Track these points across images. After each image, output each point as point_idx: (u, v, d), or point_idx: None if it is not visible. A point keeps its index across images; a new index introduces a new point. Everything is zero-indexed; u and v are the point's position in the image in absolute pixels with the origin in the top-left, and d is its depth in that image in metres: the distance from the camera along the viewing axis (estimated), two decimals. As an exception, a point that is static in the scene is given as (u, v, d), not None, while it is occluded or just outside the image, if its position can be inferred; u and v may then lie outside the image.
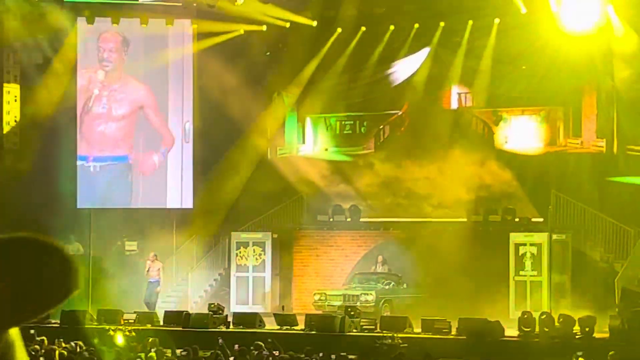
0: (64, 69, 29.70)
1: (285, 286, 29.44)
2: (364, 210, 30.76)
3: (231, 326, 24.59)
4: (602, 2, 27.32)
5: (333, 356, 18.12)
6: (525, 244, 26.72)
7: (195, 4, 29.70)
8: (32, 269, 2.35)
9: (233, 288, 29.01)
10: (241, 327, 24.45)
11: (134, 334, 23.05)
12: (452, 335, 22.81)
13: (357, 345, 21.04)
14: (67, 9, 29.44)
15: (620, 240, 26.87)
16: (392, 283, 27.54)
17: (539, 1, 27.69)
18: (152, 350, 19.17)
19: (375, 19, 30.17)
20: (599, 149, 29.18)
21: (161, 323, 25.05)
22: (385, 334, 22.18)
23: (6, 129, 30.16)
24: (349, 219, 30.22)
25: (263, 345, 19.19)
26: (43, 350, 18.58)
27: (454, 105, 31.35)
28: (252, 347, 19.09)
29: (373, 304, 26.30)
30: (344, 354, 18.18)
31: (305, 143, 32.63)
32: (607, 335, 22.09)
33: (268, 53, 31.33)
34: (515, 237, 26.88)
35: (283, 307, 25.78)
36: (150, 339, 20.23)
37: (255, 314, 25.04)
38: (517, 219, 28.38)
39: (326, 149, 32.40)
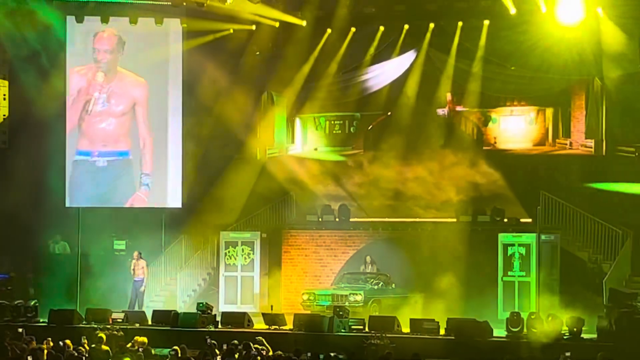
0: (53, 66, 29.62)
1: (273, 286, 29.42)
2: (353, 210, 30.79)
3: (220, 325, 24.58)
4: (591, 2, 27.37)
5: (321, 356, 18.10)
6: (513, 245, 26.75)
7: (184, 3, 29.65)
8: None
9: (222, 287, 29.00)
10: (230, 326, 24.44)
11: (122, 333, 23.01)
12: (440, 335, 22.83)
13: (345, 345, 21.03)
14: (56, 7, 29.36)
15: (608, 241, 26.92)
16: (381, 283, 27.56)
17: (528, 2, 27.72)
18: (140, 349, 19.14)
19: (365, 19, 30.16)
20: (587, 149, 29.25)
21: (150, 322, 25.03)
22: (373, 334, 22.19)
23: (-6, 126, 30.12)
24: (337, 219, 30.24)
25: (251, 344, 19.18)
26: (31, 349, 18.53)
27: (443, 105, 31.36)
28: (240, 347, 19.07)
29: (362, 303, 26.33)
30: (333, 354, 18.17)
31: (295, 143, 32.64)
32: (595, 335, 22.14)
33: (258, 53, 31.30)
34: (503, 238, 26.91)
35: (272, 306, 25.77)
36: (139, 339, 20.19)
37: (244, 314, 25.02)
38: (505, 220, 28.44)
39: (315, 149, 32.41)
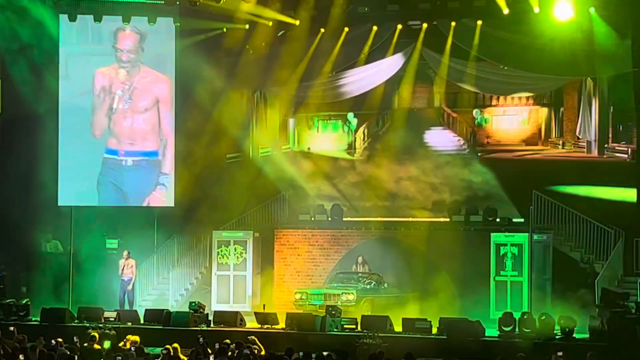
0: (46, 64, 29.58)
1: (266, 285, 29.42)
2: (346, 210, 30.79)
3: (212, 325, 24.57)
4: (583, 2, 27.42)
5: (314, 355, 18.09)
6: (506, 244, 26.78)
7: (177, 2, 29.64)
8: None
9: (214, 287, 28.98)
10: (222, 325, 24.44)
11: (114, 332, 22.99)
12: (432, 334, 22.85)
13: (337, 344, 21.01)
14: (48, 5, 29.33)
15: (600, 241, 26.95)
16: (373, 282, 27.56)
17: (521, 2, 27.76)
18: (133, 348, 19.12)
19: (359, 19, 30.15)
20: (580, 149, 29.29)
21: (142, 321, 25.01)
22: (365, 333, 22.19)
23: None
24: (330, 219, 30.24)
25: (243, 344, 19.17)
26: (23, 348, 18.50)
27: (436, 105, 31.38)
28: (232, 346, 19.06)
29: (354, 303, 26.33)
30: (325, 353, 18.16)
31: (288, 142, 32.63)
32: (587, 335, 22.17)
33: (251, 51, 31.29)
34: (496, 238, 26.94)
35: (264, 305, 25.75)
36: (131, 337, 20.17)
37: (236, 313, 25.02)
38: (498, 219, 28.46)
39: (308, 148, 32.39)
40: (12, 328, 22.49)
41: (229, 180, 30.35)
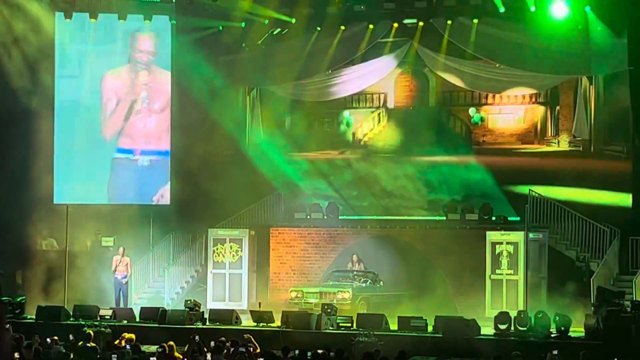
0: (41, 60, 29.55)
1: (262, 283, 29.42)
2: (342, 208, 30.79)
3: (207, 323, 24.57)
4: (580, 1, 27.45)
5: (309, 353, 18.09)
6: (501, 243, 26.77)
7: (173, 0, 29.64)
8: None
9: (210, 285, 28.96)
10: (217, 323, 24.43)
11: (109, 330, 22.98)
12: (428, 333, 22.85)
13: (333, 342, 21.00)
14: (45, 1, 29.31)
15: (596, 240, 26.97)
16: (369, 281, 27.55)
17: (517, 1, 27.78)
18: (128, 346, 19.11)
19: (355, 17, 30.15)
20: (576, 148, 29.29)
21: (137, 319, 24.99)
22: (361, 332, 22.20)
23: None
24: (326, 217, 30.24)
25: (239, 341, 19.16)
26: (18, 346, 18.48)
27: (432, 103, 31.38)
28: (227, 344, 19.05)
29: (349, 301, 26.31)
30: (321, 351, 18.15)
31: (283, 139, 32.59)
32: (582, 334, 22.18)
33: (247, 49, 31.28)
34: (491, 236, 26.94)
35: (260, 304, 25.74)
36: (127, 335, 20.16)
37: (232, 311, 25.01)
38: (493, 218, 28.48)
39: (304, 146, 32.36)
40: (7, 326, 22.46)
41: (225, 178, 30.32)
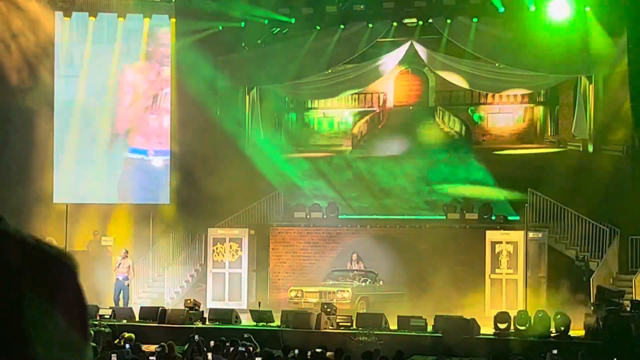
0: (41, 59, 29.55)
1: (261, 282, 29.42)
2: (341, 207, 30.79)
3: (207, 322, 24.57)
4: (579, 1, 27.46)
5: (309, 353, 18.10)
6: (501, 242, 26.78)
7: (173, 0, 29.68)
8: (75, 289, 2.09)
9: (209, 284, 28.96)
10: (217, 323, 24.44)
11: (109, 329, 22.98)
12: (428, 332, 22.85)
13: (333, 342, 21.02)
14: (44, 1, 29.31)
15: (595, 239, 26.98)
16: (369, 280, 27.55)
17: (517, 0, 27.80)
18: (128, 345, 19.12)
19: (354, 16, 30.16)
20: (575, 147, 29.30)
21: (137, 319, 24.99)
22: (361, 331, 22.20)
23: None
24: (325, 216, 30.24)
25: (239, 341, 19.17)
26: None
27: (431, 103, 31.40)
28: (227, 343, 19.06)
29: (349, 300, 26.30)
30: (320, 350, 18.17)
31: (283, 139, 32.62)
32: (582, 333, 22.19)
33: (247, 48, 31.28)
34: (491, 235, 26.95)
35: (259, 303, 25.74)
36: (126, 335, 20.17)
37: (232, 310, 25.02)
38: (493, 217, 28.48)
39: (303, 146, 32.37)
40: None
41: (225, 177, 30.32)
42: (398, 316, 23.51)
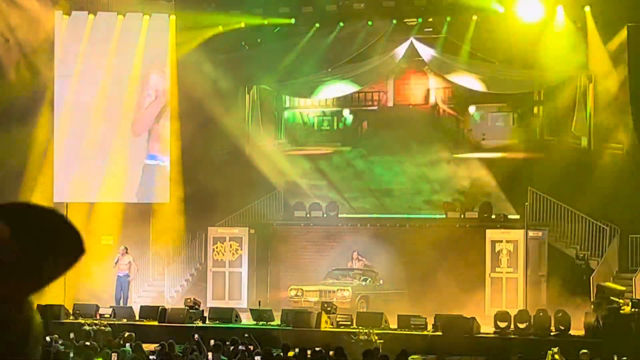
0: (41, 58, 29.54)
1: (261, 281, 29.41)
2: (341, 206, 30.78)
3: (207, 321, 24.57)
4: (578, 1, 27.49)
5: (309, 351, 18.10)
6: (501, 241, 26.78)
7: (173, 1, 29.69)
8: (45, 233, 2.39)
9: (209, 283, 28.96)
10: (217, 322, 24.44)
11: (109, 328, 22.99)
12: (428, 331, 22.85)
13: (333, 341, 21.02)
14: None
15: (596, 238, 26.98)
16: (369, 279, 27.54)
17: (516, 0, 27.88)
18: (128, 344, 19.12)
19: (354, 15, 30.15)
20: (575, 146, 29.28)
21: (137, 318, 24.99)
22: (361, 330, 22.19)
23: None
24: (325, 215, 30.23)
25: (238, 340, 19.17)
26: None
27: (432, 101, 31.40)
28: (227, 342, 19.06)
29: (349, 299, 26.30)
30: (320, 349, 18.17)
31: (283, 138, 32.62)
32: (582, 332, 22.19)
33: (247, 47, 31.27)
34: (491, 234, 26.94)
35: (259, 302, 25.74)
36: (126, 334, 20.17)
37: (232, 309, 25.02)
38: (493, 216, 28.47)
39: (303, 145, 32.36)
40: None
41: (225, 176, 30.32)
42: (398, 315, 23.52)
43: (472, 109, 30.90)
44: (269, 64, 30.86)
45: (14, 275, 2.28)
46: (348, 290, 26.51)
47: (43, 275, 2.33)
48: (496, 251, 26.72)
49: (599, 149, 28.66)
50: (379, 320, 23.21)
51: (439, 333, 22.50)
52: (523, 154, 29.98)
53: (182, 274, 30.12)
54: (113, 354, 17.80)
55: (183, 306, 25.01)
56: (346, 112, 32.28)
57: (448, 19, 29.14)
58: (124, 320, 24.55)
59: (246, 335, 20.27)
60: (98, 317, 24.68)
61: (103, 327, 22.97)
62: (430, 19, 29.50)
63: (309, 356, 18.02)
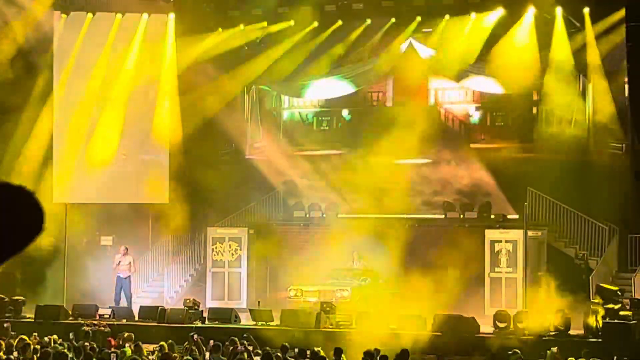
0: (40, 56, 29.55)
1: (261, 282, 29.40)
2: (341, 206, 30.77)
3: (207, 321, 24.57)
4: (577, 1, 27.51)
5: (308, 352, 18.10)
6: (500, 241, 26.78)
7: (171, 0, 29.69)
8: (3, 208, 2.42)
9: (209, 283, 28.95)
10: (217, 322, 24.44)
11: (108, 329, 22.98)
12: (427, 331, 22.85)
13: (332, 341, 21.03)
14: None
15: (595, 238, 26.98)
16: (368, 279, 27.54)
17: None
18: (127, 345, 19.12)
19: (353, 14, 30.15)
20: (574, 146, 29.23)
21: (136, 318, 24.99)
22: (360, 330, 22.19)
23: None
24: (325, 215, 30.23)
25: (237, 340, 19.17)
26: (17, 345, 18.47)
27: (431, 101, 31.40)
28: (226, 343, 19.06)
29: (348, 299, 26.30)
30: (319, 349, 18.17)
31: (282, 138, 32.60)
32: (581, 332, 22.19)
33: (246, 47, 31.28)
34: (490, 234, 26.94)
35: (259, 302, 25.75)
36: (126, 334, 20.17)
37: (231, 310, 25.02)
38: (492, 216, 28.47)
39: (303, 145, 32.36)
40: (6, 325, 22.48)
41: (224, 176, 30.32)
42: (397, 315, 23.51)
43: (471, 108, 30.87)
44: (269, 63, 30.84)
45: None
46: (347, 290, 26.52)
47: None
48: (495, 251, 26.73)
49: (598, 148, 28.66)
50: (378, 320, 23.21)
51: (439, 333, 22.50)
52: (522, 153, 29.95)
53: (182, 274, 30.12)
54: (112, 355, 17.79)
55: (182, 306, 25.01)
56: (345, 112, 32.26)
57: (447, 17, 29.12)
58: (124, 321, 24.56)
59: (245, 335, 20.26)
60: (97, 317, 24.68)
61: (102, 328, 22.96)
62: (429, 19, 29.46)
63: (308, 356, 18.02)
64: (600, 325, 21.73)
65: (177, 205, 30.13)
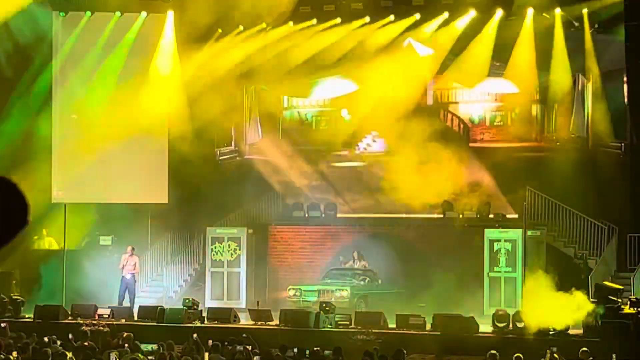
0: (39, 56, 29.54)
1: (260, 281, 29.41)
2: (340, 206, 30.77)
3: (206, 321, 24.56)
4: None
5: (307, 351, 18.11)
6: (500, 240, 26.79)
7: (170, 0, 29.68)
8: None
9: (208, 283, 28.95)
10: (216, 322, 24.43)
11: (107, 329, 22.97)
12: (426, 330, 22.86)
13: (331, 340, 21.03)
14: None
15: (594, 237, 26.98)
16: (367, 279, 27.56)
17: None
18: (126, 345, 19.11)
19: (352, 14, 30.15)
20: (573, 145, 29.27)
21: (135, 318, 24.98)
22: (359, 330, 22.20)
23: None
24: (324, 215, 30.23)
25: (237, 340, 19.17)
26: (16, 345, 18.48)
27: (430, 101, 31.39)
28: (226, 342, 19.06)
29: (348, 299, 26.31)
30: (318, 348, 18.18)
31: (281, 138, 32.59)
32: (580, 331, 22.19)
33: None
34: (490, 233, 26.95)
35: (258, 302, 25.73)
36: (125, 334, 20.16)
37: (230, 309, 25.02)
38: (492, 215, 28.47)
39: (302, 145, 32.34)
40: (4, 325, 22.47)
41: (223, 176, 30.32)
42: (397, 315, 23.52)
43: (471, 108, 30.86)
44: (268, 63, 30.83)
45: None
46: (347, 290, 26.52)
47: None
48: (494, 250, 26.73)
49: (597, 147, 28.67)
50: (377, 320, 23.23)
51: (438, 332, 22.51)
52: (521, 153, 29.96)
53: (181, 274, 30.11)
54: (111, 354, 17.79)
55: (181, 306, 25.00)
56: (344, 112, 32.25)
57: (446, 16, 29.11)
58: (123, 321, 24.55)
59: (244, 335, 20.26)
60: (96, 317, 24.67)
61: (101, 328, 22.95)
62: (429, 18, 29.45)
63: (307, 356, 18.02)
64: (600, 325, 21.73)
65: (177, 205, 30.14)
